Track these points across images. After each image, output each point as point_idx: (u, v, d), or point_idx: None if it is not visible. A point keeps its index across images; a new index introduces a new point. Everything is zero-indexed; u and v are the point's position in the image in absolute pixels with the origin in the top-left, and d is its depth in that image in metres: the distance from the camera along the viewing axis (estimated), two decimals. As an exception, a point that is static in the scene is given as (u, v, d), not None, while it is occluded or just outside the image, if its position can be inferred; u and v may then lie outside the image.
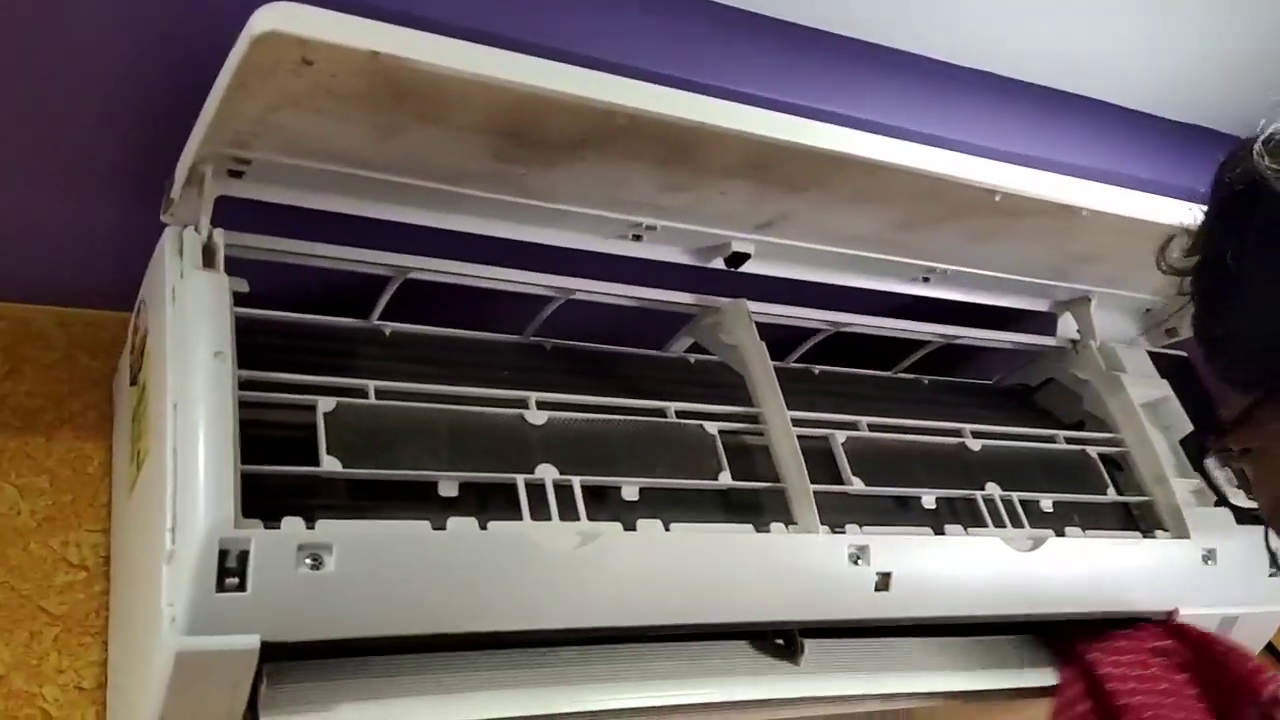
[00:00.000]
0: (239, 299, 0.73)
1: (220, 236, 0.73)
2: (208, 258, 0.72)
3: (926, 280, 1.06)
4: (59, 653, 0.78)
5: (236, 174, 0.75)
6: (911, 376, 1.14)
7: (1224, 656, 0.95)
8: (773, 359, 0.91)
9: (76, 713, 0.76)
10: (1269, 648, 1.25)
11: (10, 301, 0.91)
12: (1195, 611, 0.99)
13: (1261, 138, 0.53)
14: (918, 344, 1.13)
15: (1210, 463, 0.62)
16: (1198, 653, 0.96)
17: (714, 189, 0.84)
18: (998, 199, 0.81)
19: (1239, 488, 0.63)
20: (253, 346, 0.75)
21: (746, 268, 0.97)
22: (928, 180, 0.80)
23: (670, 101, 0.70)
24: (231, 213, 0.76)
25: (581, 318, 0.96)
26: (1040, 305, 1.15)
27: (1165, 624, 0.98)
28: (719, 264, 0.96)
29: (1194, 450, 0.61)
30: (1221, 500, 0.62)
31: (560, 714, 0.73)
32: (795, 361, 1.09)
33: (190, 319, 0.68)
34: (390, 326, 0.88)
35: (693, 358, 1.01)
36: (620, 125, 0.72)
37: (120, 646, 0.76)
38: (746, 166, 0.81)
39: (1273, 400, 0.52)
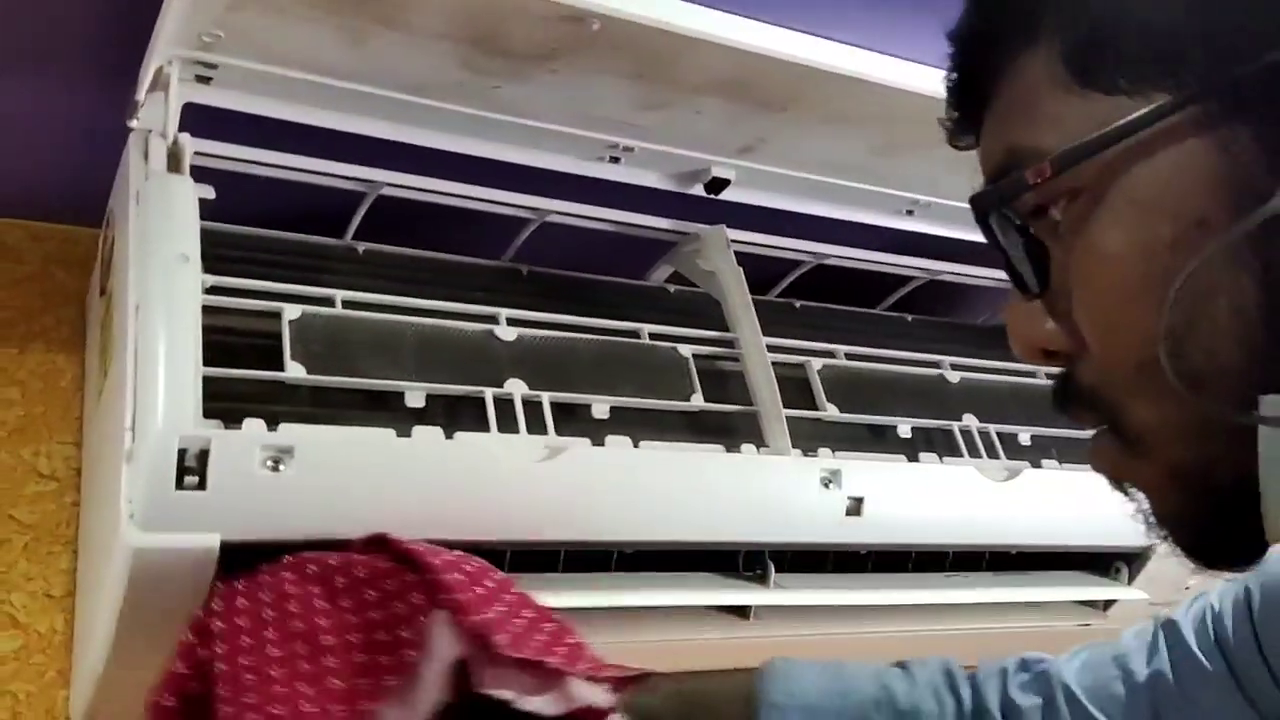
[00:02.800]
0: (208, 210, 0.73)
1: (187, 142, 0.73)
2: (173, 162, 0.72)
3: (910, 213, 1.05)
4: (28, 560, 0.78)
5: (204, 80, 0.74)
6: (895, 314, 1.14)
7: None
8: (755, 294, 0.91)
9: (45, 619, 0.76)
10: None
11: (-16, 216, 0.91)
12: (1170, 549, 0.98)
13: None
14: (902, 282, 1.12)
15: (1001, 220, 0.40)
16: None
17: (690, 107, 0.83)
18: (975, 117, 0.80)
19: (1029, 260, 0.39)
20: (222, 258, 0.74)
21: (727, 195, 0.96)
22: (903, 97, 0.78)
23: (641, 4, 0.69)
24: (205, 130, 0.76)
25: (561, 246, 0.96)
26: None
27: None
28: (699, 190, 0.95)
29: (992, 198, 0.40)
30: (1016, 279, 0.40)
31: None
32: (777, 296, 1.08)
33: (154, 222, 0.68)
34: (364, 245, 0.88)
35: (672, 287, 1.01)
36: (590, 33, 0.71)
37: (87, 553, 0.77)
38: (722, 83, 0.80)
39: (1195, 103, 0.34)
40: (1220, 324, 0.34)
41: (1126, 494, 0.40)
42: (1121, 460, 0.39)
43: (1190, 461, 0.37)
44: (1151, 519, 0.39)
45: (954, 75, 0.43)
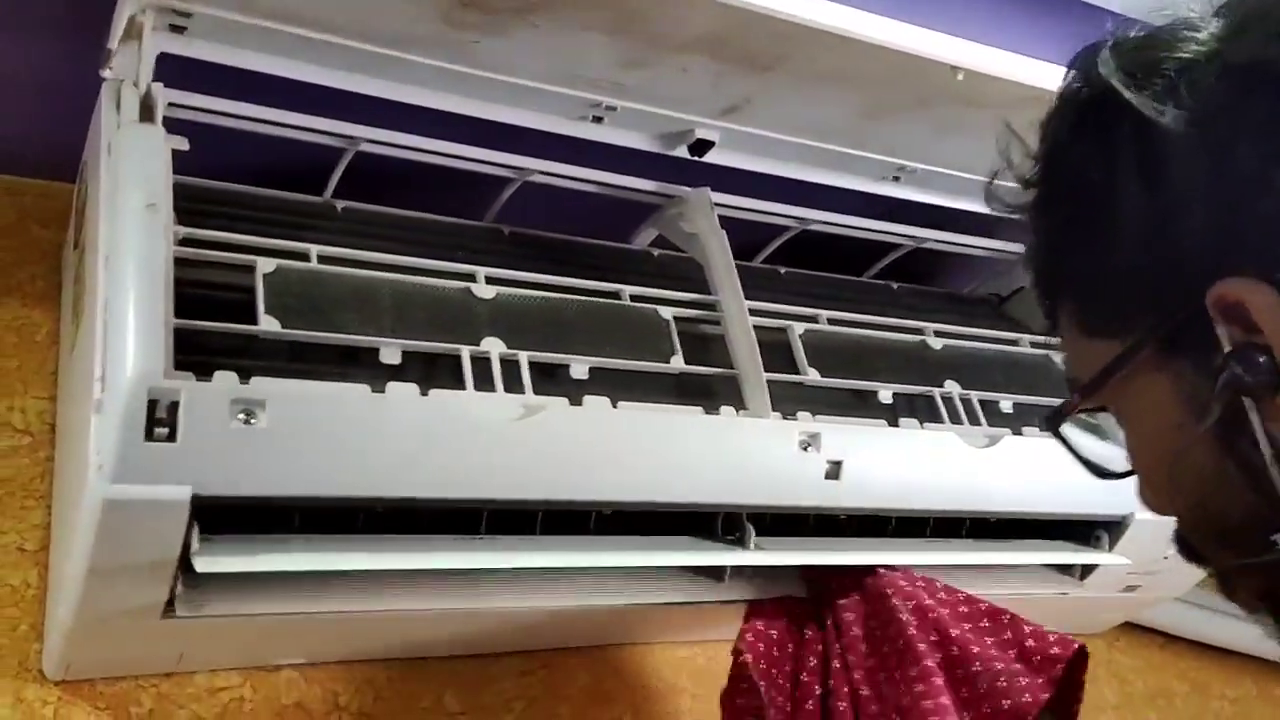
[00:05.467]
0: (185, 164, 0.72)
1: (159, 92, 0.72)
2: (145, 112, 0.71)
3: (897, 179, 1.04)
4: (1, 514, 0.78)
5: (178, 29, 0.73)
6: (880, 282, 1.13)
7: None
8: (740, 261, 0.90)
9: (18, 573, 0.76)
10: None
11: (-40, 170, 0.90)
12: (1152, 517, 0.98)
13: (1109, 44, 0.45)
14: (888, 250, 1.12)
15: (1069, 429, 0.51)
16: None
17: (674, 66, 0.82)
18: (960, 77, 0.79)
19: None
20: (198, 213, 0.74)
21: (712, 158, 0.95)
22: (889, 55, 0.77)
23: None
24: (184, 85, 0.75)
25: (543, 208, 0.95)
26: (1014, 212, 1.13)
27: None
28: (683, 152, 0.94)
29: (1053, 417, 0.52)
30: (1093, 470, 0.53)
31: (494, 569, 0.73)
32: (762, 263, 1.08)
33: (124, 171, 0.67)
34: (343, 203, 0.87)
35: (656, 251, 1.00)
36: (570, -15, 0.70)
37: (60, 507, 0.76)
38: (706, 39, 0.79)
39: (1139, 349, 0.44)
40: (1222, 493, 0.44)
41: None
42: (1231, 594, 0.49)
43: (1263, 587, 0.47)
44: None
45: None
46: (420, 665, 0.86)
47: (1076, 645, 0.80)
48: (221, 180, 0.82)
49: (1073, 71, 0.47)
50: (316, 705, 0.81)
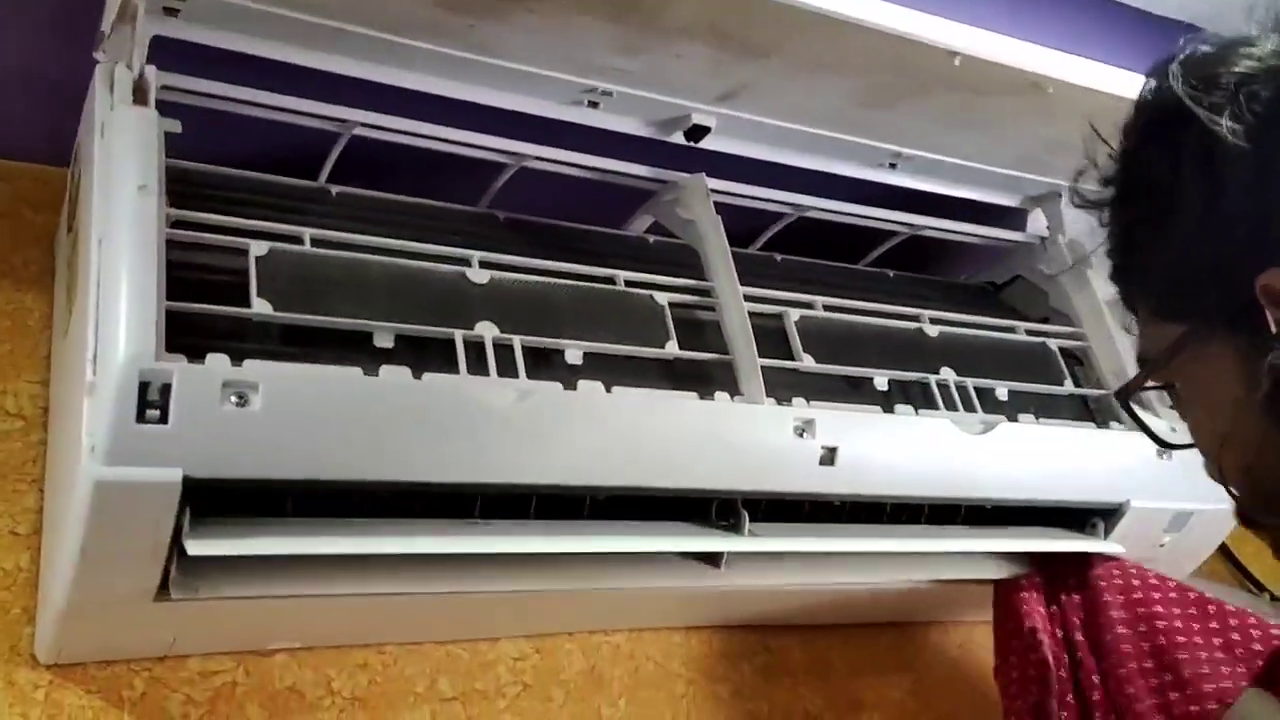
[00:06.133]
0: (181, 148, 0.72)
1: (153, 74, 0.71)
2: (138, 95, 0.70)
3: (893, 166, 1.04)
4: (-6, 498, 0.77)
5: (172, 11, 0.73)
6: (877, 270, 1.13)
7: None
8: (737, 248, 0.90)
9: (10, 557, 0.76)
10: (1223, 549, 1.26)
11: (-47, 155, 0.90)
12: (1148, 504, 0.98)
13: (1179, 57, 0.51)
14: (884, 237, 1.12)
15: (1136, 402, 0.61)
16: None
17: (670, 51, 0.82)
18: (957, 62, 0.79)
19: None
20: (192, 196, 0.74)
21: (708, 144, 0.95)
22: (886, 41, 0.77)
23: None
24: (180, 70, 0.75)
25: (539, 194, 0.95)
26: (1011, 200, 1.13)
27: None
28: (679, 138, 0.94)
29: (1122, 392, 0.59)
30: (1155, 440, 0.60)
31: (484, 554, 0.73)
32: (759, 250, 1.07)
33: (116, 153, 0.67)
34: (337, 188, 0.87)
35: (651, 238, 1.00)
36: (566, -32, 0.70)
37: (52, 490, 0.76)
38: (703, 25, 0.78)
39: (1201, 330, 0.51)
40: (1269, 461, 0.50)
41: None
42: None
43: None
44: None
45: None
46: (414, 650, 0.86)
47: None
48: (216, 163, 0.82)
49: (1149, 81, 0.52)
50: (309, 689, 0.81)
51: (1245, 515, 0.54)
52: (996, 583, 0.98)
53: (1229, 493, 0.54)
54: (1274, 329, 0.47)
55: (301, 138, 0.84)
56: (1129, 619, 0.88)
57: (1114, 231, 0.56)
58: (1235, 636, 0.84)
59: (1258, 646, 0.82)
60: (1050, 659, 0.87)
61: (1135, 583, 0.90)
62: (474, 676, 0.88)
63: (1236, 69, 0.48)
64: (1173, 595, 0.89)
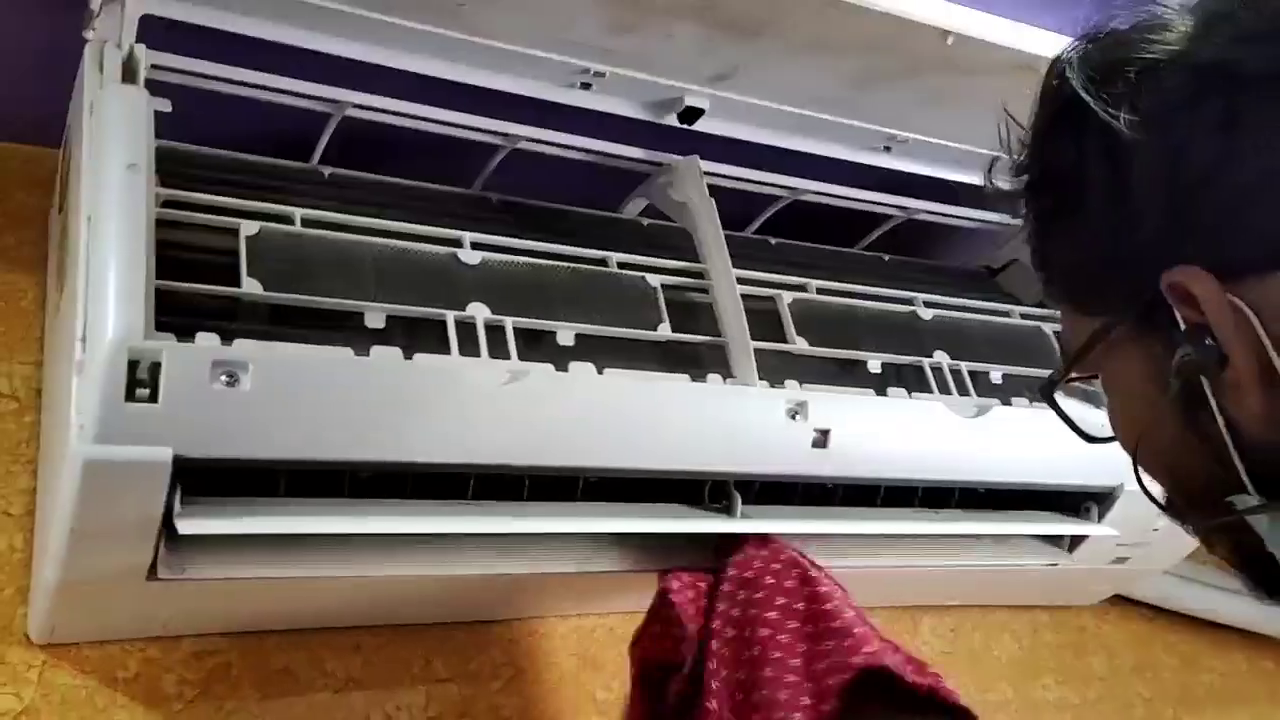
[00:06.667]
0: (171, 129, 0.71)
1: (142, 53, 0.71)
2: (128, 73, 0.70)
3: (888, 150, 1.04)
4: (-14, 479, 0.78)
5: (161, -10, 0.72)
6: (871, 253, 1.13)
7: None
8: (731, 232, 0.90)
9: (4, 537, 0.76)
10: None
11: (-56, 136, 0.90)
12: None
13: (1079, 47, 0.48)
14: (879, 221, 1.11)
15: (1061, 396, 0.55)
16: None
17: (662, 30, 0.82)
18: (950, 42, 0.79)
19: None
20: (183, 176, 0.73)
21: (702, 126, 0.95)
22: (879, 21, 0.77)
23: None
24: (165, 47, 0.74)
25: (532, 177, 0.94)
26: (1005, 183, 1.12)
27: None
28: (673, 120, 0.94)
29: (1046, 386, 0.56)
30: (1077, 433, 0.57)
31: (476, 534, 0.73)
32: (753, 234, 1.07)
33: (105, 131, 0.66)
34: (329, 169, 0.86)
35: (645, 221, 1.00)
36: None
37: (45, 470, 0.76)
38: (693, 4, 0.78)
39: (1113, 326, 0.48)
40: (1186, 460, 0.47)
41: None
42: (1211, 551, 0.53)
43: (1232, 549, 0.50)
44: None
45: None
46: (409, 631, 0.86)
47: (854, 671, 0.73)
48: (207, 144, 0.82)
49: (1051, 69, 0.49)
50: (303, 670, 0.81)
51: (1171, 514, 0.52)
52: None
53: (1146, 493, 0.52)
54: (1182, 327, 0.45)
55: (293, 119, 0.84)
56: (738, 619, 0.79)
57: (1028, 222, 0.53)
58: (818, 666, 0.75)
59: (829, 681, 0.73)
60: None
61: (767, 579, 0.80)
62: (468, 658, 0.88)
63: (1145, 55, 0.46)
64: (791, 604, 0.79)
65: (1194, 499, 0.49)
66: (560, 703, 0.90)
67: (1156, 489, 0.51)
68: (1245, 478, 0.44)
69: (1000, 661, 1.16)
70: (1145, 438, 0.49)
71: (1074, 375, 0.53)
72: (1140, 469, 0.51)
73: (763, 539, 0.83)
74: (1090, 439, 0.55)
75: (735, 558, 0.82)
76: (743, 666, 0.76)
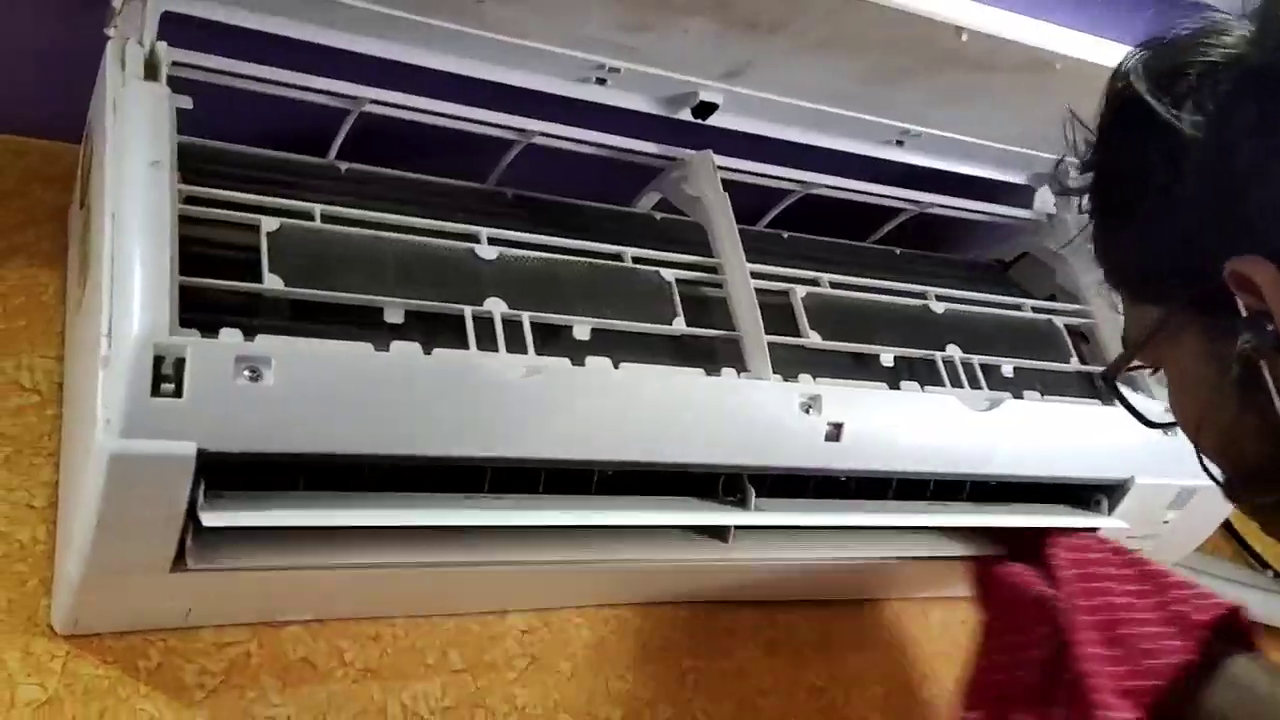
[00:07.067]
0: (189, 125, 0.72)
1: (164, 50, 0.72)
2: (150, 70, 0.71)
3: (900, 144, 1.04)
4: (10, 471, 0.78)
5: (182, -14, 0.73)
6: (883, 247, 1.13)
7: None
8: (743, 226, 0.90)
9: (26, 529, 0.77)
10: (1226, 526, 1.26)
11: (-36, 131, 0.90)
12: (1152, 481, 0.99)
13: (1143, 52, 0.52)
14: (891, 215, 1.12)
15: (1126, 383, 0.63)
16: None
17: (676, 27, 0.82)
18: (964, 38, 0.79)
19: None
20: (201, 173, 0.74)
21: (715, 121, 0.95)
22: (893, 17, 0.77)
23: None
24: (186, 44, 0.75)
25: (547, 172, 0.95)
26: (1018, 178, 1.13)
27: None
28: (687, 115, 0.94)
29: (1108, 373, 0.61)
30: (1142, 420, 0.61)
31: (494, 527, 0.74)
32: (765, 228, 1.08)
33: (128, 128, 0.67)
34: (346, 165, 0.87)
35: (658, 215, 1.00)
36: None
37: (68, 464, 0.77)
38: (709, 1, 0.78)
39: (1175, 315, 0.52)
40: (1243, 441, 0.50)
41: None
42: (1267, 526, 0.57)
43: None
44: None
45: None
46: (425, 623, 0.87)
47: (1222, 610, 0.82)
48: (224, 139, 0.82)
49: (1116, 72, 0.53)
50: (322, 660, 0.82)
51: (1229, 494, 0.55)
52: (976, 561, 0.97)
53: (1207, 473, 0.55)
54: (1244, 314, 0.47)
55: (310, 114, 0.84)
56: (1084, 591, 0.88)
57: (1093, 216, 0.57)
58: (1178, 609, 0.84)
59: (1197, 617, 0.82)
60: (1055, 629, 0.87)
61: (1090, 555, 0.90)
62: (483, 649, 0.89)
63: (1205, 58, 0.49)
64: (1122, 570, 0.89)
65: (1250, 479, 0.53)
66: (575, 693, 0.91)
67: (1216, 470, 0.55)
68: None
69: (1010, 653, 1.16)
70: (1205, 420, 0.53)
71: (1137, 364, 0.57)
72: (1200, 452, 0.54)
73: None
74: (1151, 424, 0.60)
75: (1056, 554, 0.90)
76: (1100, 628, 0.84)
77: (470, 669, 0.88)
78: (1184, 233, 0.50)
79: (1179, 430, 0.58)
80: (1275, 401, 0.47)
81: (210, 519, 0.64)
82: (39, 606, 0.75)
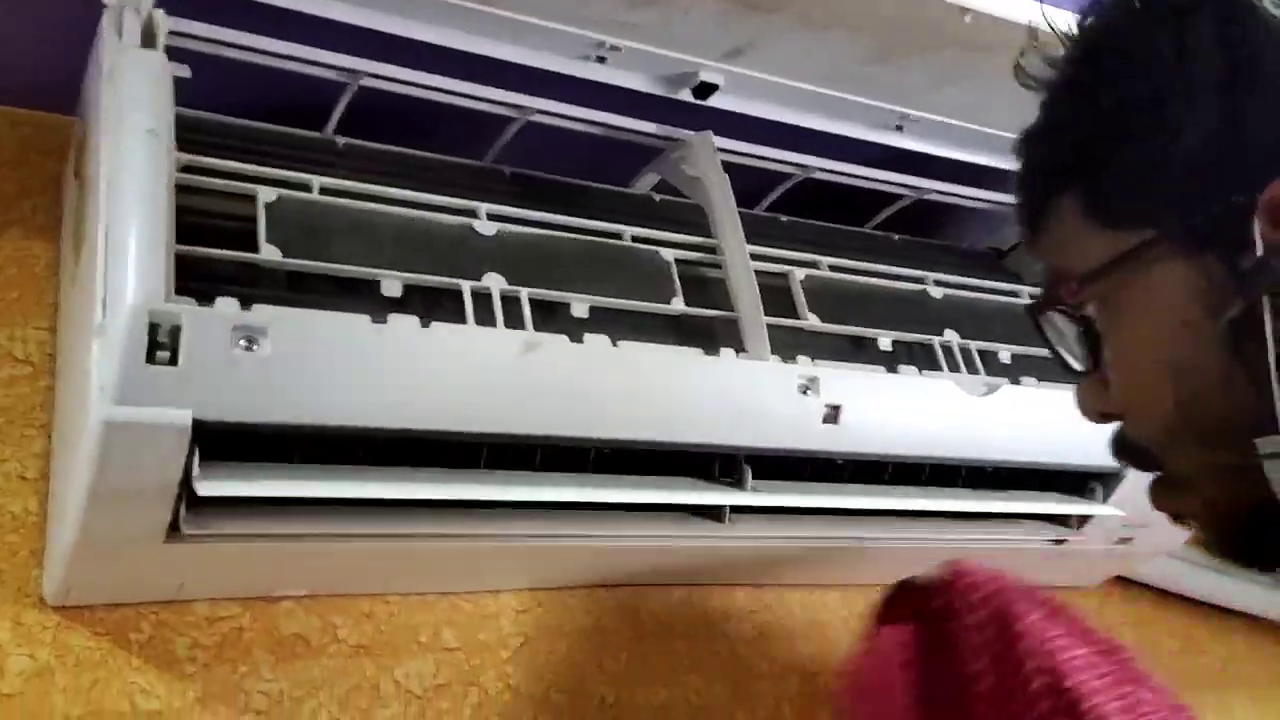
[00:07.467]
0: (187, 97, 0.71)
1: (161, 18, 0.71)
2: (147, 38, 0.70)
3: (899, 129, 1.04)
4: (1, 443, 0.78)
5: (180, -45, 0.72)
6: (881, 233, 1.13)
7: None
8: (742, 209, 0.90)
9: (18, 500, 0.76)
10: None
11: (-41, 102, 0.90)
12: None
13: None
14: (890, 200, 1.11)
15: (1047, 319, 0.51)
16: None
17: (677, 5, 0.82)
18: (968, 19, 0.79)
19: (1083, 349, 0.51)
20: (198, 144, 0.74)
21: (715, 102, 0.95)
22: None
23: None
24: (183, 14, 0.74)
25: (545, 150, 0.94)
26: (1016, 164, 1.13)
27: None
28: (687, 96, 0.94)
29: (1037, 305, 0.52)
30: (1062, 364, 0.53)
31: (493, 501, 0.74)
32: (764, 211, 1.07)
33: (124, 96, 0.66)
34: (344, 140, 0.86)
35: (658, 196, 1.00)
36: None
37: (61, 434, 0.76)
38: (711, -22, 0.78)
39: (1161, 241, 0.44)
40: (1216, 393, 0.44)
41: (1184, 524, 0.51)
42: (1173, 498, 0.51)
43: (1220, 495, 0.47)
44: (1199, 538, 0.50)
45: (1016, 201, 0.55)
46: (419, 600, 0.87)
47: None
48: (222, 113, 0.82)
49: None
50: (315, 636, 0.82)
51: (1138, 451, 0.49)
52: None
53: (1121, 441, 0.49)
54: (1260, 250, 0.41)
55: (308, 88, 0.83)
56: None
57: (1053, 120, 0.50)
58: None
59: None
60: None
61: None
62: (477, 627, 0.89)
63: None
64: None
65: (1207, 435, 0.46)
66: (568, 673, 0.91)
67: (1148, 429, 0.48)
68: None
69: (1002, 640, 1.16)
70: (1171, 367, 0.45)
71: (1072, 302, 0.48)
72: (1139, 396, 0.47)
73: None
74: (1071, 371, 0.53)
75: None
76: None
77: (464, 647, 0.88)
78: (1223, 141, 0.43)
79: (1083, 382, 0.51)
80: (1269, 348, 0.41)
81: (205, 489, 0.64)
82: (30, 577, 0.74)
